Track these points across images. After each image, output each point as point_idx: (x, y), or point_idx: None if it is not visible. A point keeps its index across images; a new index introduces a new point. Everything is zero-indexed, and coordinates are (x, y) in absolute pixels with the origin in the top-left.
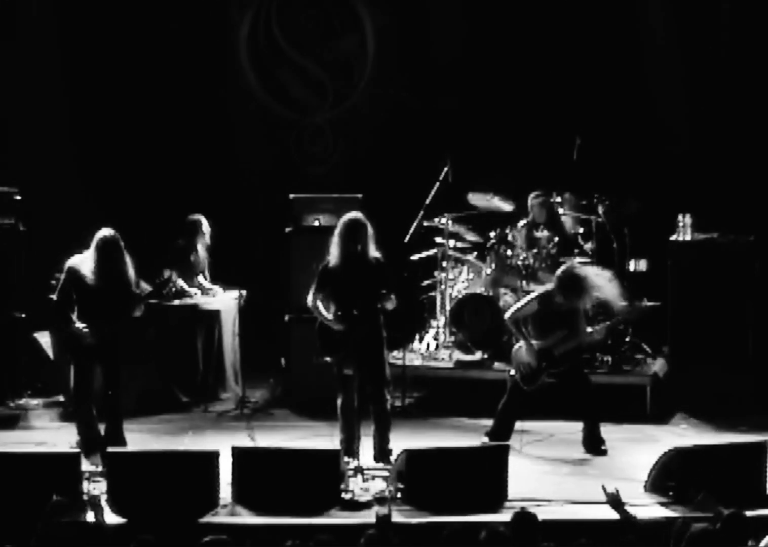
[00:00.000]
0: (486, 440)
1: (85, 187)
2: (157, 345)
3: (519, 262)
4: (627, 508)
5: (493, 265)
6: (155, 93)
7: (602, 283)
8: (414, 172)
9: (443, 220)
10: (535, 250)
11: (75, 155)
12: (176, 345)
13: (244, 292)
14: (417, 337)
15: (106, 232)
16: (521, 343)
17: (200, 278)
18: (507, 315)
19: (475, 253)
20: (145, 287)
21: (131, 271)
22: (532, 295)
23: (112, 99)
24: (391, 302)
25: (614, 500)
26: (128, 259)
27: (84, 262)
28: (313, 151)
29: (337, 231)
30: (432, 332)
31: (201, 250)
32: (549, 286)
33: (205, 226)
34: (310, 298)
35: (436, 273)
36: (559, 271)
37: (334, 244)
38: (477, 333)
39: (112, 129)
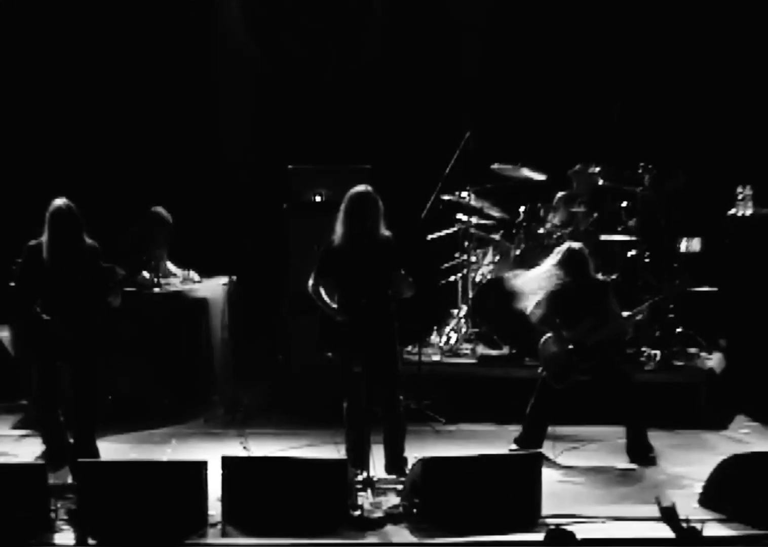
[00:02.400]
0: (514, 447)
1: (54, 167)
2: (135, 340)
3: (552, 242)
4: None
5: (522, 245)
6: (132, 53)
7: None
8: (430, 139)
9: (464, 194)
10: (571, 228)
11: (41, 131)
12: (157, 340)
13: (234, 278)
14: (434, 329)
15: (58, 202)
16: (548, 335)
17: (169, 265)
18: (530, 316)
19: (502, 231)
20: (120, 271)
21: (97, 252)
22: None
23: (90, 65)
24: (404, 287)
25: (670, 515)
26: (94, 244)
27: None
28: (315, 116)
29: (342, 207)
30: (452, 323)
31: (162, 242)
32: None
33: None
34: (310, 284)
35: (456, 255)
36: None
37: (339, 222)
38: (504, 324)
39: (88, 99)
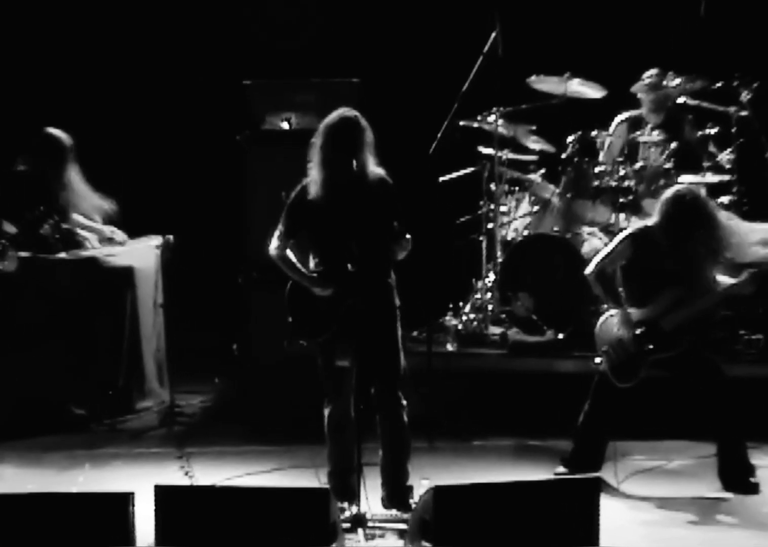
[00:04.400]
0: (562, 470)
1: None
2: (35, 324)
3: (613, 183)
4: None
5: (571, 189)
6: None
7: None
8: (442, 42)
9: (490, 119)
10: (639, 164)
11: None
12: (65, 323)
13: (170, 238)
14: (450, 307)
15: None
16: (611, 312)
17: (81, 218)
18: (589, 269)
19: (542, 170)
20: (9, 228)
21: None
22: (623, 234)
23: None
24: (402, 246)
25: None
26: None
27: None
28: (282, 14)
29: (319, 138)
30: (474, 298)
31: (76, 179)
32: (650, 220)
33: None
34: (275, 245)
35: (480, 203)
36: (664, 197)
37: (315, 159)
38: (545, 299)
39: None
